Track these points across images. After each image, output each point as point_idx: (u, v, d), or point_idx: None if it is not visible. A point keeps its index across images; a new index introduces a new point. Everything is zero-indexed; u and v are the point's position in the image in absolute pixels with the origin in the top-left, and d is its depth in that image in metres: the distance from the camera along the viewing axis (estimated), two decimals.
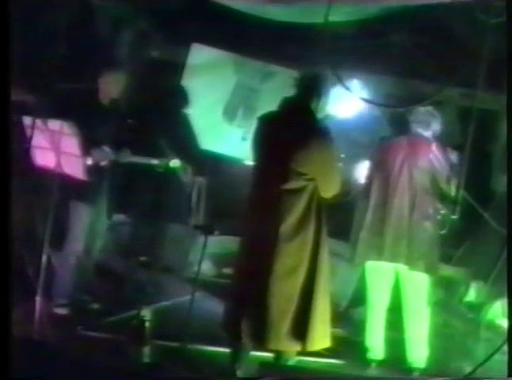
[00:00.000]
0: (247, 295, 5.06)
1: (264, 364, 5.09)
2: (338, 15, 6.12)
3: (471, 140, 5.29)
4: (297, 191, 5.03)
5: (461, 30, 6.81)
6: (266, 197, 5.10)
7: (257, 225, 5.12)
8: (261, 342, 5.07)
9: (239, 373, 5.02)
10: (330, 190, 5.13)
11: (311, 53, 6.91)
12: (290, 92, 5.22)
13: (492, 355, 5.04)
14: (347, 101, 6.38)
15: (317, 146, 5.04)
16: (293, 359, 5.25)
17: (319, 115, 5.24)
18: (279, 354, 5.17)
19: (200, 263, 5.35)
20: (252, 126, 8.15)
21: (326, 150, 5.10)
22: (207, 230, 5.51)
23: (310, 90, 5.19)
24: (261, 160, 5.23)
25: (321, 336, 5.09)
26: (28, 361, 4.04)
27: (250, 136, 8.08)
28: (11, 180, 4.05)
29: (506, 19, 4.65)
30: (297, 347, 5.09)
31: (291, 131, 5.06)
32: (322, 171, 5.07)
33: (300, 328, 5.00)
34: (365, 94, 6.44)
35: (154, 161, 6.30)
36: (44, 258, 5.28)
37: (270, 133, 5.21)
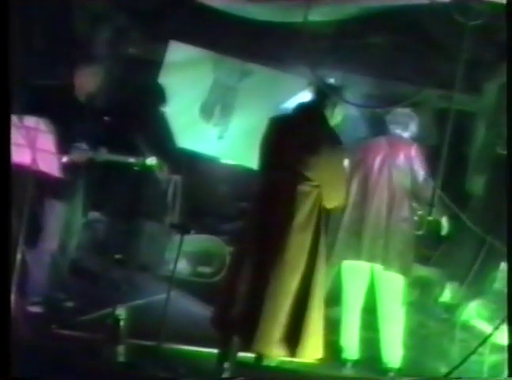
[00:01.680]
0: (243, 295, 5.05)
1: (241, 364, 5.08)
2: (317, 15, 6.13)
3: (448, 141, 5.31)
4: (302, 196, 5.03)
5: (439, 32, 6.84)
6: (271, 199, 5.10)
7: (260, 225, 5.12)
8: (251, 344, 5.05)
9: (226, 373, 4.99)
10: (333, 199, 5.16)
11: (290, 52, 6.93)
12: (307, 97, 5.28)
13: (469, 356, 5.07)
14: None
15: (326, 155, 5.07)
16: (274, 361, 5.24)
17: (332, 123, 5.26)
18: (261, 356, 5.17)
19: (175, 261, 5.31)
20: (228, 124, 8.31)
21: (334, 159, 5.13)
22: (183, 229, 5.47)
23: (326, 98, 5.21)
24: (270, 161, 5.21)
25: (313, 346, 5.08)
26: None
27: (226, 134, 8.28)
28: (10, 182, 4.03)
29: (506, 19, 4.69)
30: (288, 355, 5.08)
31: (303, 136, 5.08)
32: (329, 179, 5.09)
33: (293, 337, 5.00)
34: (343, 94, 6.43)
35: (131, 159, 6.26)
36: (19, 255, 5.23)
37: (283, 135, 5.20)
